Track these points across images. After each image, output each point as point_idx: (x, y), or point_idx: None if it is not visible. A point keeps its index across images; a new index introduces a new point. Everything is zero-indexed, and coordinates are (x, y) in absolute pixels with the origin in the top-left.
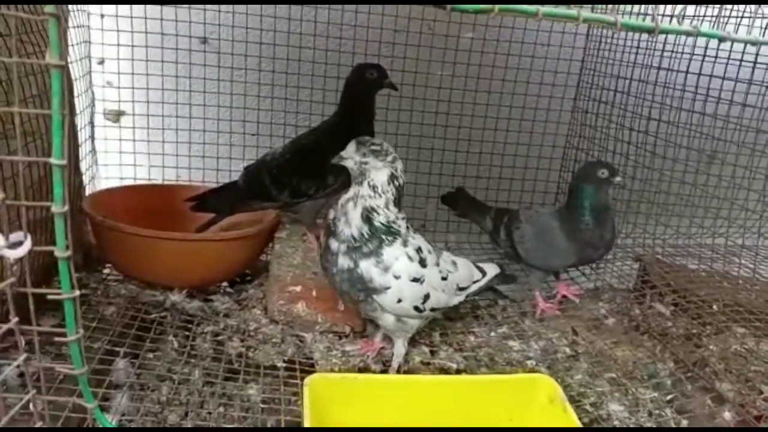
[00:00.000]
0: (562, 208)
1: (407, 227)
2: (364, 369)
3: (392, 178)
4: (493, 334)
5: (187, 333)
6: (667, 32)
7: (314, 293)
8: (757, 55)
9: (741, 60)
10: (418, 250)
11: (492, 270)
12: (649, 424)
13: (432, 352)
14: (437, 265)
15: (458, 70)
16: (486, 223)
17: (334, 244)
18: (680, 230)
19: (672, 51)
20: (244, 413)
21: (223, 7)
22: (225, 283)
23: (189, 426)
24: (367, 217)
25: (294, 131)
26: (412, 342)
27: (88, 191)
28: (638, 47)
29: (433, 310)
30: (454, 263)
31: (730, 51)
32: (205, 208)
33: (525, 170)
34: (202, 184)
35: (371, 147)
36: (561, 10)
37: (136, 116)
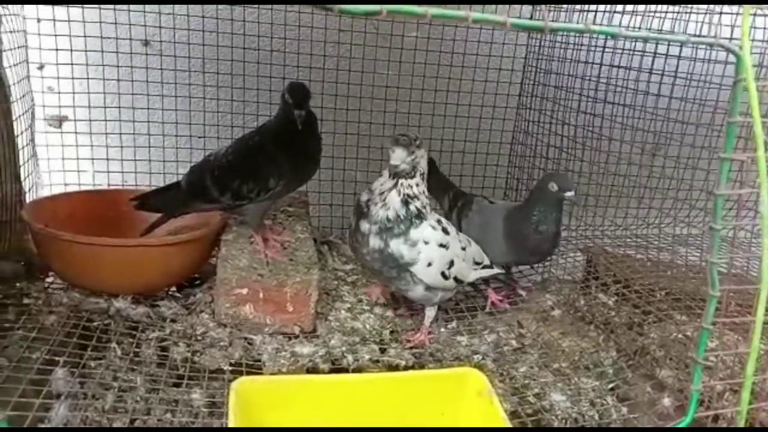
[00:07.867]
0: (515, 206)
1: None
2: (313, 369)
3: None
4: (443, 330)
5: (131, 339)
6: (555, 30)
7: (261, 295)
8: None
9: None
10: (439, 221)
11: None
12: (590, 413)
13: (381, 350)
14: (457, 235)
15: (404, 69)
16: (444, 202)
17: (365, 226)
18: (626, 221)
19: (612, 48)
20: (193, 418)
21: (164, 9)
22: (173, 288)
23: None
24: (406, 201)
25: (241, 132)
26: (363, 340)
27: (30, 198)
28: (579, 44)
29: (456, 280)
30: (468, 240)
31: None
32: (148, 208)
33: (474, 166)
34: (149, 188)
35: (414, 141)
36: (449, 11)
37: (78, 121)
